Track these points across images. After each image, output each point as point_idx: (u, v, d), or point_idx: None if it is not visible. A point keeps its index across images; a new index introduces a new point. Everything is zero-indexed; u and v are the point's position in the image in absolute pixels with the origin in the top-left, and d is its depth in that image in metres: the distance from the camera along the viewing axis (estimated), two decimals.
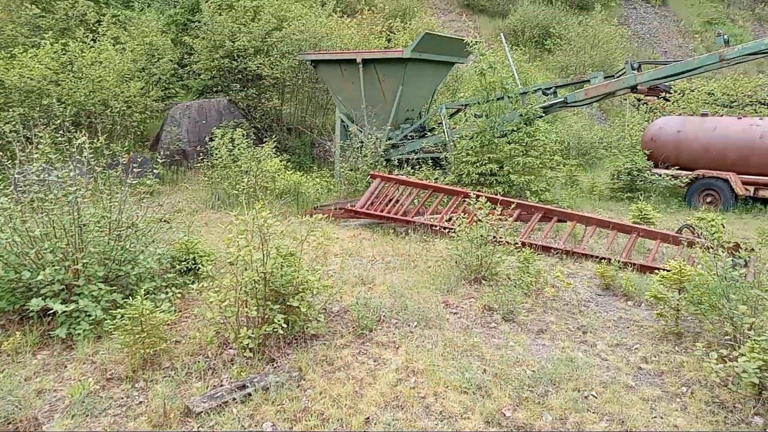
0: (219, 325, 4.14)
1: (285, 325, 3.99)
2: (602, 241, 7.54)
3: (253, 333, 3.93)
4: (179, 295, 5.06)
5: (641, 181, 10.53)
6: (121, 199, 5.03)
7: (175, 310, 5.05)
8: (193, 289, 4.34)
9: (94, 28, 13.22)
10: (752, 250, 4.88)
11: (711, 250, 4.67)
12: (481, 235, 5.56)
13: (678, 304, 4.46)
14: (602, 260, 6.30)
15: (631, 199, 10.51)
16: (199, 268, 5.62)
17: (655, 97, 14.66)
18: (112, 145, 12.10)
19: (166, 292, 4.85)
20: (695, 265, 6.16)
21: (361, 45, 15.18)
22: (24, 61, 10.91)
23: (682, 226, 7.06)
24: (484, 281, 5.61)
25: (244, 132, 10.20)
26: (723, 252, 4.53)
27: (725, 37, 9.09)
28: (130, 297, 4.92)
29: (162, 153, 12.93)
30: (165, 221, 5.58)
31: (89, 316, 4.59)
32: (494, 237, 5.68)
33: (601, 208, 10.12)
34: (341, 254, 6.85)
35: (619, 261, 5.98)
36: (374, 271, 6.07)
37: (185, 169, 12.47)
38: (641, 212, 8.09)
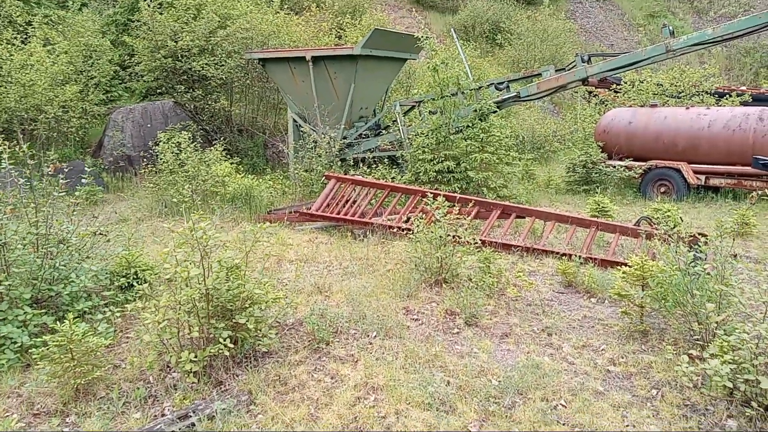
0: (160, 347, 3.78)
1: (231, 345, 3.67)
2: (562, 236, 7.46)
3: (196, 356, 3.59)
4: (120, 314, 4.65)
5: (596, 173, 10.58)
6: (47, 213, 4.58)
7: (114, 331, 4.66)
8: (128, 308, 3.95)
9: (23, 29, 12.42)
10: (707, 242, 4.83)
11: (671, 242, 4.60)
12: (440, 236, 5.35)
13: (642, 302, 4.35)
14: (563, 256, 6.20)
15: (587, 191, 10.54)
16: (141, 283, 5.23)
17: (606, 89, 14.86)
18: (48, 152, 11.42)
19: (104, 312, 4.45)
20: (656, 259, 6.13)
21: (310, 42, 14.82)
22: None
23: (639, 218, 7.04)
24: (445, 284, 5.41)
25: (190, 135, 9.72)
26: (683, 245, 4.45)
27: (670, 28, 9.18)
28: (63, 319, 4.52)
29: (105, 159, 12.33)
30: (100, 234, 5.15)
31: (15, 343, 4.16)
32: (454, 237, 5.49)
33: (558, 202, 10.11)
34: (296, 261, 6.54)
35: (580, 257, 5.88)
36: (331, 278, 5.78)
37: (131, 176, 11.87)
38: (599, 205, 8.07)
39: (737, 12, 28.32)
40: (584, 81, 9.46)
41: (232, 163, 10.24)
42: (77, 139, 12.41)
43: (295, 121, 11.23)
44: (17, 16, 12.63)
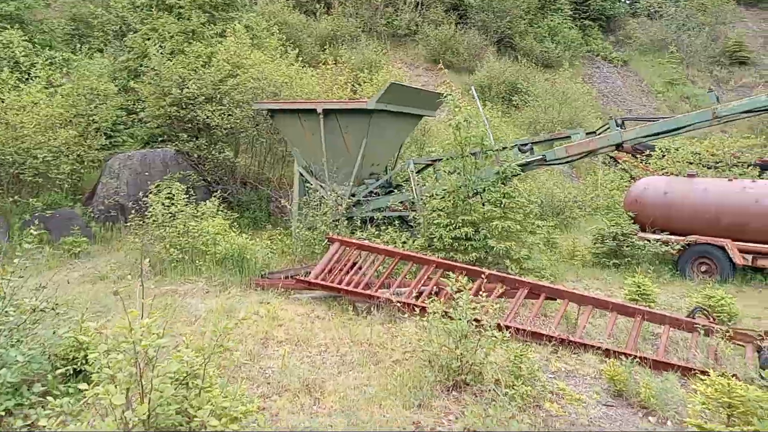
0: None
1: None
2: (598, 322, 6.42)
3: None
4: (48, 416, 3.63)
5: (628, 246, 9.58)
6: None
7: None
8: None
9: (25, 69, 11.93)
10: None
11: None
12: (462, 328, 4.34)
13: None
14: (606, 353, 5.17)
15: (617, 266, 9.53)
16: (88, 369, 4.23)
17: (633, 156, 14.05)
18: (33, 199, 10.63)
19: (23, 416, 3.44)
20: (719, 360, 5.09)
21: (324, 96, 14.24)
22: None
23: (694, 309, 6.01)
24: (465, 386, 4.36)
25: (183, 187, 8.90)
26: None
27: (716, 94, 8.43)
28: None
29: (96, 208, 11.52)
30: (41, 310, 4.19)
31: None
32: (477, 325, 4.48)
33: (586, 277, 9.07)
34: (286, 342, 5.52)
35: (631, 357, 4.82)
36: (325, 370, 4.75)
37: (121, 227, 11.01)
38: (639, 287, 7.03)
39: (757, 82, 27.95)
40: (618, 146, 8.63)
41: (228, 219, 9.37)
42: (69, 185, 11.64)
43: (301, 175, 10.44)
44: (22, 56, 12.17)
